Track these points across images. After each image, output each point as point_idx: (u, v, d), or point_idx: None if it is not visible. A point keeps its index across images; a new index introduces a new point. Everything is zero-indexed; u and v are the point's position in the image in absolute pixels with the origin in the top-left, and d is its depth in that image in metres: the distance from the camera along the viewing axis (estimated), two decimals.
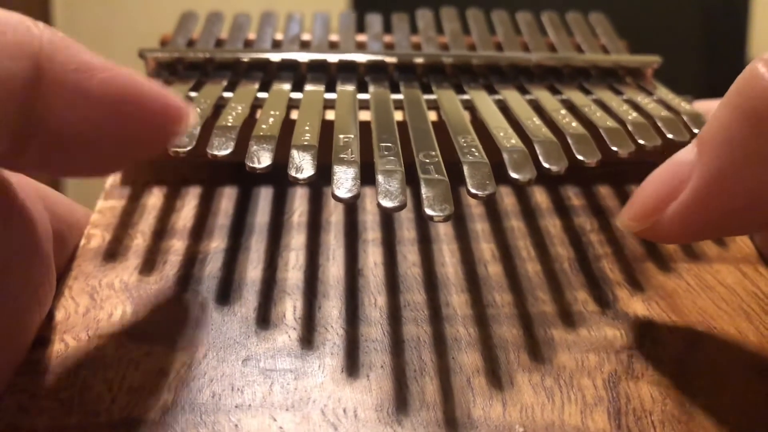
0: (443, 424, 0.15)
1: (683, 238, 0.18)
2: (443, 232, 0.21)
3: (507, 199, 0.23)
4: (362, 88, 0.24)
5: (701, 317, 0.19)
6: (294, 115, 0.22)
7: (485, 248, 0.21)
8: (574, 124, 0.21)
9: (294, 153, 0.18)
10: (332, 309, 0.19)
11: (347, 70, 0.25)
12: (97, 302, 0.18)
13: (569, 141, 0.20)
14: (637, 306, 0.19)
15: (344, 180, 0.17)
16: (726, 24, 1.00)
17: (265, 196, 0.23)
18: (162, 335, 0.17)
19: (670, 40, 0.99)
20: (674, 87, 0.25)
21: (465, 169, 0.18)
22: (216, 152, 0.19)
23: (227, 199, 0.23)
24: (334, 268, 0.20)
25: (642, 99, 0.24)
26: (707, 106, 0.24)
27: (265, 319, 0.18)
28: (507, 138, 0.20)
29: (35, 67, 0.14)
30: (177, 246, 0.20)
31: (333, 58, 0.25)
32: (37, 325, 0.17)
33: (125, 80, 0.15)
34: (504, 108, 0.23)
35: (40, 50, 0.14)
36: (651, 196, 0.17)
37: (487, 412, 0.16)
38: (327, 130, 0.20)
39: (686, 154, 0.17)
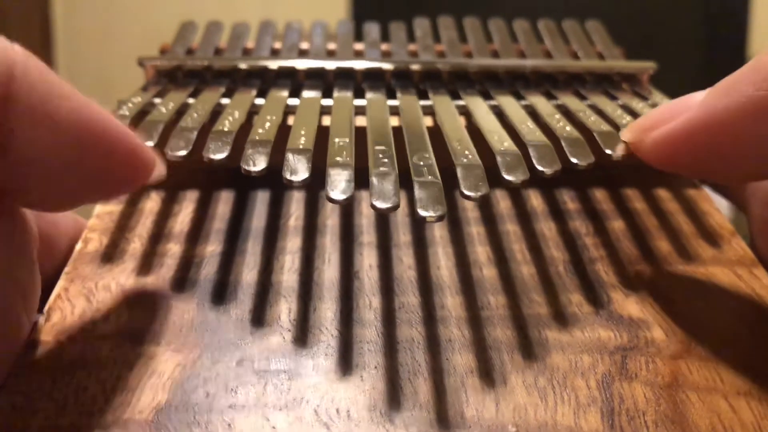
0: (436, 424, 0.16)
1: (661, 161, 0.19)
2: (439, 235, 0.22)
3: (502, 202, 0.23)
4: (359, 94, 0.24)
5: (695, 319, 0.19)
6: (290, 120, 0.22)
7: (480, 251, 0.21)
8: (568, 128, 0.21)
9: (289, 156, 0.18)
10: (327, 311, 0.19)
11: (345, 77, 0.25)
12: (93, 304, 0.18)
13: (563, 144, 0.20)
14: (631, 308, 0.19)
15: (338, 182, 0.17)
16: (726, 24, 1.00)
17: (261, 200, 0.23)
18: (157, 336, 0.17)
19: (670, 42, 0.99)
20: (674, 90, 0.26)
21: (458, 171, 0.18)
22: (212, 156, 0.19)
23: (224, 203, 0.23)
24: (329, 270, 0.20)
25: (637, 104, 0.24)
26: None
27: (260, 320, 0.18)
28: (500, 141, 0.20)
29: (4, 87, 0.14)
30: (173, 249, 0.21)
31: (330, 65, 0.26)
32: (26, 330, 0.17)
33: (94, 114, 0.16)
34: (499, 113, 0.23)
35: (11, 72, 0.15)
36: (652, 116, 0.19)
37: (480, 412, 0.16)
38: (323, 135, 0.20)
39: (698, 94, 0.18)
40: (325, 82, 0.25)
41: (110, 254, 0.20)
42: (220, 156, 0.19)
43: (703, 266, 0.21)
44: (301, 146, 0.19)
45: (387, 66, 0.26)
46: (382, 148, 0.19)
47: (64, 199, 0.16)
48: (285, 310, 0.19)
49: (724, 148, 0.17)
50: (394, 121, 0.22)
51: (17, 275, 0.16)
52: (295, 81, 0.25)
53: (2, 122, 0.14)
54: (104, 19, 1.31)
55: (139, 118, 0.21)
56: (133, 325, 0.18)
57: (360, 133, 0.20)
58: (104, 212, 0.22)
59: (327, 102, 0.23)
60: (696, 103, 0.17)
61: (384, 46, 0.29)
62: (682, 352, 0.18)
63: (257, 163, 0.18)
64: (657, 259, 0.21)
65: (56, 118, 0.15)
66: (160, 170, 0.18)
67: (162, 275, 0.20)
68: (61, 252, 0.20)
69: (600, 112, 0.23)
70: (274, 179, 0.18)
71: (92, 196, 0.17)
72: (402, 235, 0.22)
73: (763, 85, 0.16)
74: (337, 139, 0.19)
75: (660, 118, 0.18)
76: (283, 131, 0.20)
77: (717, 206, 0.23)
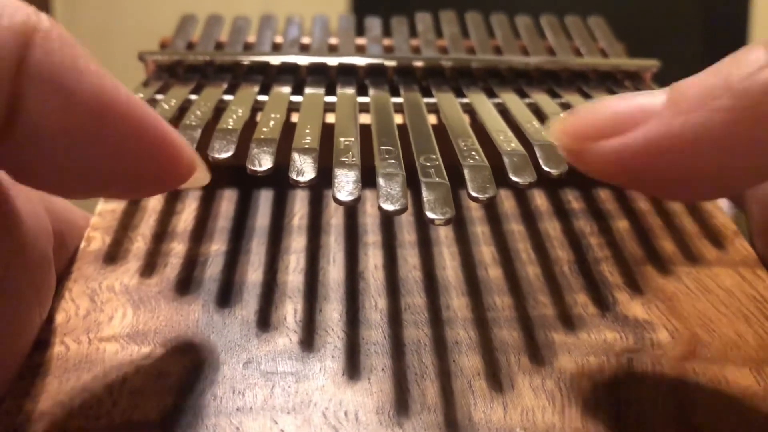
0: (444, 427, 0.16)
1: (611, 177, 0.16)
2: (444, 235, 0.21)
3: (507, 202, 0.23)
4: (362, 91, 0.24)
5: (700, 320, 0.19)
6: (294, 118, 0.22)
7: (485, 251, 0.21)
8: None
9: (295, 156, 0.18)
10: (333, 312, 0.19)
11: (347, 73, 0.25)
12: (98, 305, 0.18)
13: None
14: (636, 309, 0.19)
15: (345, 183, 0.17)
16: (726, 24, 1.00)
17: (265, 199, 0.23)
18: (162, 338, 0.17)
19: (671, 41, 0.99)
20: None
21: (465, 172, 0.18)
22: (217, 155, 0.19)
23: (228, 202, 0.23)
24: (334, 271, 0.20)
25: None
26: None
27: (265, 322, 0.18)
28: (507, 141, 0.20)
29: (20, 50, 0.14)
30: (177, 249, 0.20)
31: (333, 61, 0.25)
32: (38, 326, 0.17)
33: (119, 95, 0.14)
34: (503, 111, 0.23)
35: (30, 38, 0.14)
36: (597, 119, 0.15)
37: (488, 414, 0.16)
38: (327, 133, 0.20)
39: (653, 97, 0.15)
40: (327, 77, 0.25)
41: (113, 254, 0.20)
42: (225, 155, 0.19)
43: (708, 267, 0.21)
44: (306, 145, 0.19)
45: (390, 62, 0.25)
46: (388, 147, 0.19)
47: (77, 184, 0.15)
48: (291, 311, 0.19)
49: (692, 168, 0.15)
50: (398, 119, 0.22)
51: (33, 274, 0.16)
52: (297, 77, 0.25)
53: (13, 87, 0.14)
54: (104, 15, 1.30)
55: None
56: (138, 326, 0.18)
57: (365, 132, 0.20)
58: (107, 210, 0.22)
59: (330, 99, 0.23)
60: (655, 111, 0.15)
61: (386, 41, 0.28)
62: (688, 353, 0.18)
63: (263, 163, 0.18)
64: (661, 259, 0.21)
65: (72, 91, 0.14)
66: (202, 174, 0.16)
67: (166, 275, 0.19)
68: (72, 250, 0.20)
69: None
70: (278, 177, 0.18)
71: (114, 186, 0.15)
72: (407, 234, 0.21)
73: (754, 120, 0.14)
74: (342, 139, 0.19)
75: (607, 125, 0.15)
76: (288, 129, 0.20)
77: (720, 205, 0.23)
